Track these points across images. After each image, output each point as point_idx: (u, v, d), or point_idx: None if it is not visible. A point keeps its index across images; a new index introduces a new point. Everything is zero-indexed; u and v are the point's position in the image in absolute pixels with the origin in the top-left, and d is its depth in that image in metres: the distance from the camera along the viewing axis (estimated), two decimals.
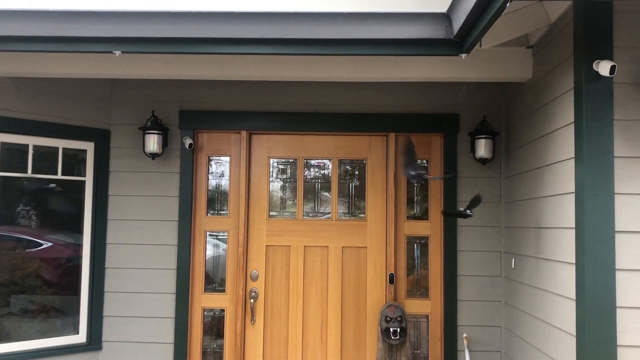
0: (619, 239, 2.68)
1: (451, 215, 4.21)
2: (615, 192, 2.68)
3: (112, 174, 4.39)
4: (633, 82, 2.73)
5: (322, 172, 4.51)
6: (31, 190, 4.18)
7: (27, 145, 4.10)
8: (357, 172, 4.50)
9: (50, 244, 4.28)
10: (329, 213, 4.45)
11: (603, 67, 2.60)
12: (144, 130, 4.27)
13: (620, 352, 2.63)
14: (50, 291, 4.23)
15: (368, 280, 4.37)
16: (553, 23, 3.20)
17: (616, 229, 2.67)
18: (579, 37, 2.80)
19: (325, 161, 4.50)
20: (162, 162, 4.38)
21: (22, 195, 4.15)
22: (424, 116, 4.34)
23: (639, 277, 2.66)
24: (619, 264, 2.67)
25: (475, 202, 3.64)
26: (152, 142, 4.24)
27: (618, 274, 2.66)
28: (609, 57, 2.70)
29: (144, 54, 3.52)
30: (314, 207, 4.48)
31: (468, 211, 3.66)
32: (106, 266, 4.34)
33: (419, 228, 4.39)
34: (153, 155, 4.30)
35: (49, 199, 4.25)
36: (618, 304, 2.65)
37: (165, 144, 4.33)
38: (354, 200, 4.48)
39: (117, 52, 3.23)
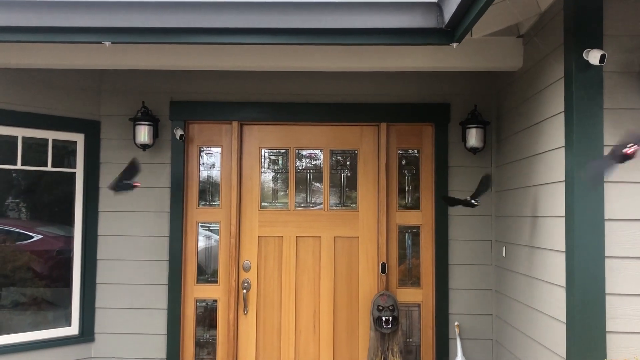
0: (608, 227, 2.70)
1: (454, 204, 3.91)
2: (605, 180, 2.70)
3: (102, 166, 4.37)
4: (622, 70, 2.75)
5: (314, 162, 4.51)
6: (21, 183, 4.16)
7: (16, 137, 4.06)
8: (348, 163, 4.50)
9: (40, 236, 4.25)
10: (321, 203, 4.45)
11: (593, 56, 2.62)
12: (135, 121, 4.25)
13: (609, 338, 2.67)
14: (42, 283, 4.21)
15: (360, 269, 4.39)
16: (543, 12, 3.21)
17: (605, 217, 2.70)
18: (569, 26, 2.81)
19: (317, 151, 4.50)
20: (153, 153, 4.35)
21: (11, 187, 4.12)
22: (415, 106, 4.35)
23: (627, 264, 2.70)
24: (608, 251, 2.69)
25: (482, 187, 3.47)
26: (143, 133, 4.22)
27: (607, 262, 2.69)
28: (599, 46, 2.71)
29: (134, 44, 3.49)
30: (306, 197, 4.48)
31: (474, 201, 3.51)
32: (98, 258, 4.33)
33: (410, 218, 4.41)
34: (144, 147, 4.28)
35: (39, 191, 4.23)
36: (607, 290, 2.68)
37: (156, 135, 4.31)
38: (346, 190, 4.49)
39: (107, 43, 3.21)
